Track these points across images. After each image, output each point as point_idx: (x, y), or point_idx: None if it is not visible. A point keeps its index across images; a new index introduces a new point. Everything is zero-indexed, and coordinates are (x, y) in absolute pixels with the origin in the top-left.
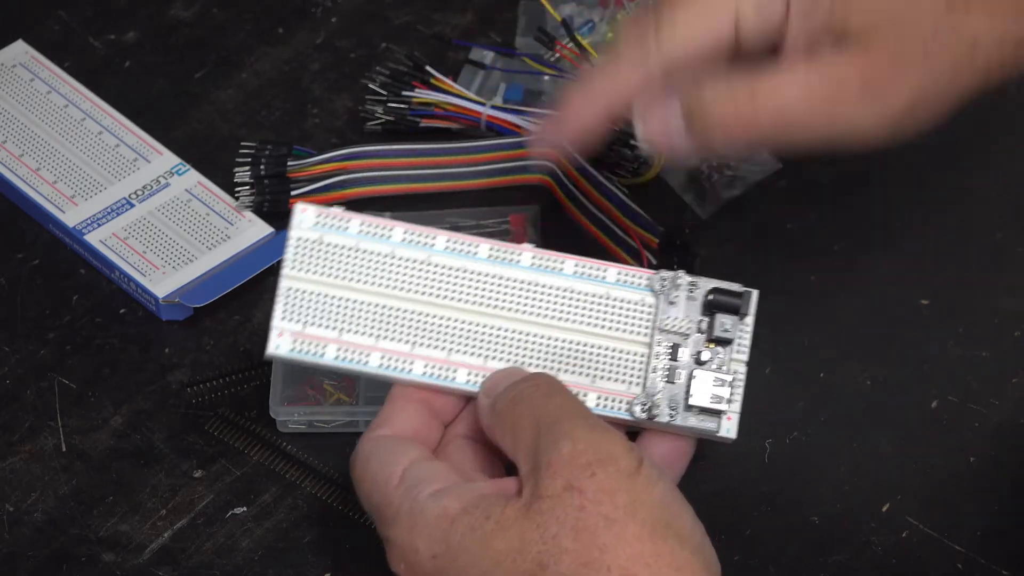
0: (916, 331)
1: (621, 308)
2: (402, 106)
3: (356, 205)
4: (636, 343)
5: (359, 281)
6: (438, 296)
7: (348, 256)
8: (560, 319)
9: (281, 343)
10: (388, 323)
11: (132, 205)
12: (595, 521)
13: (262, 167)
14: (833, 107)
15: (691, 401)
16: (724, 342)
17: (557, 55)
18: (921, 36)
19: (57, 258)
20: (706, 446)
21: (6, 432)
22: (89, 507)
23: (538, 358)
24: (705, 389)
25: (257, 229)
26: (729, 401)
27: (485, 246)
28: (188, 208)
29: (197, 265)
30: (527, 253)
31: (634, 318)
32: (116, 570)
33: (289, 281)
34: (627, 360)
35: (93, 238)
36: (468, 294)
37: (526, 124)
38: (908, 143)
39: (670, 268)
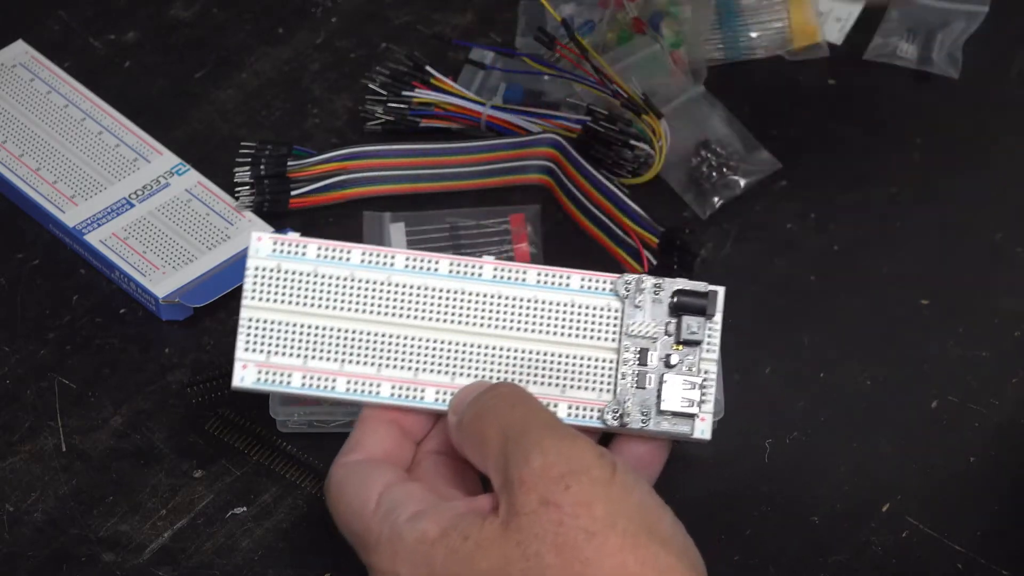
0: (916, 331)
1: (587, 315)
2: (402, 106)
3: (356, 205)
4: (604, 349)
5: (320, 306)
6: (401, 316)
7: (307, 281)
8: (526, 330)
9: (246, 375)
10: (352, 347)
11: (132, 205)
12: (575, 535)
13: (262, 167)
14: None
15: (663, 406)
16: (693, 343)
17: (557, 55)
18: None
19: (57, 258)
20: (706, 446)
21: (6, 432)
22: (89, 507)
23: (506, 371)
24: (676, 393)
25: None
26: (701, 403)
27: (445, 262)
28: (188, 208)
29: (197, 265)
30: (488, 266)
31: (601, 324)
32: (116, 570)
33: (250, 311)
34: (596, 367)
35: (93, 238)
36: (431, 312)
37: (526, 124)
38: (908, 143)
39: (670, 268)
